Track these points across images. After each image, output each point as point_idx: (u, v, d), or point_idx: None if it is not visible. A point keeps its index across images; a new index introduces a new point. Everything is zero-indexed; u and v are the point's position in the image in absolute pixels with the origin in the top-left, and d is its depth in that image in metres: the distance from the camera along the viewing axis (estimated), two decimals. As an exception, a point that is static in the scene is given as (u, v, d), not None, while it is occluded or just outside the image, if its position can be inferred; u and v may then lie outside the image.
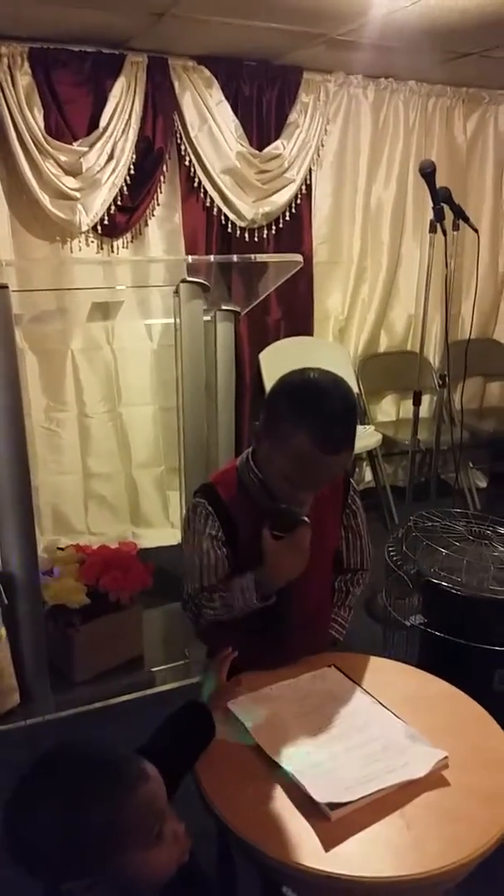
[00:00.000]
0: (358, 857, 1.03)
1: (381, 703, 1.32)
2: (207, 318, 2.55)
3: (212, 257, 3.02)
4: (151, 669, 2.53)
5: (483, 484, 4.39)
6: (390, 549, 2.11)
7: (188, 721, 1.23)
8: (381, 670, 1.46)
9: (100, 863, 0.86)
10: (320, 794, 1.10)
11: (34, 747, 2.23)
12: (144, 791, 0.89)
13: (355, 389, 3.91)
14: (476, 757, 1.22)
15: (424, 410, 3.76)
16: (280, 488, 1.34)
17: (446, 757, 1.18)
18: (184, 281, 2.29)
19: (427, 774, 1.15)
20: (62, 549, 2.51)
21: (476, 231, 2.82)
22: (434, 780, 1.16)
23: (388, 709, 1.30)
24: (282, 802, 1.12)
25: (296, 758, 1.18)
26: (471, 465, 4.22)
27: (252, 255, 2.28)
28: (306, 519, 1.34)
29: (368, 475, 4.12)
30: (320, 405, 1.26)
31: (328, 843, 1.04)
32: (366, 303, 3.94)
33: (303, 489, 1.33)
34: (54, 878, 0.87)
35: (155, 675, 2.52)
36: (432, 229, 2.62)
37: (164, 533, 3.36)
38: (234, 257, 2.35)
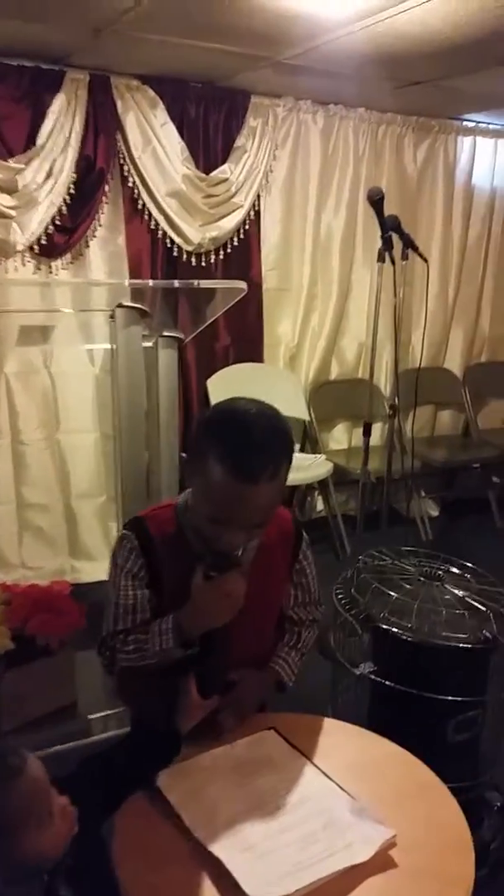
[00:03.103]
0: None
1: (323, 772, 1.20)
2: (149, 343, 2.44)
3: (150, 282, 2.91)
4: (87, 717, 2.36)
5: (435, 513, 4.34)
6: (338, 591, 1.99)
7: (153, 738, 1.20)
8: (325, 732, 1.33)
9: None
10: (252, 887, 0.97)
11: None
12: (25, 780, 0.91)
13: (306, 417, 3.84)
14: (426, 832, 1.10)
15: (376, 439, 3.69)
16: (206, 529, 1.22)
17: (394, 836, 1.06)
18: (120, 305, 2.17)
19: (373, 857, 1.03)
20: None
21: (425, 260, 2.78)
22: (381, 862, 1.04)
23: (331, 779, 1.18)
24: (208, 894, 0.98)
25: (226, 841, 1.05)
26: (423, 493, 4.17)
27: (195, 281, 2.18)
28: (239, 560, 1.22)
29: (320, 504, 4.03)
30: (236, 431, 1.17)
31: None
32: (316, 330, 3.88)
33: (227, 527, 1.19)
34: None
35: (91, 723, 2.35)
36: (381, 258, 2.56)
37: (105, 566, 3.16)
38: (176, 282, 2.25)
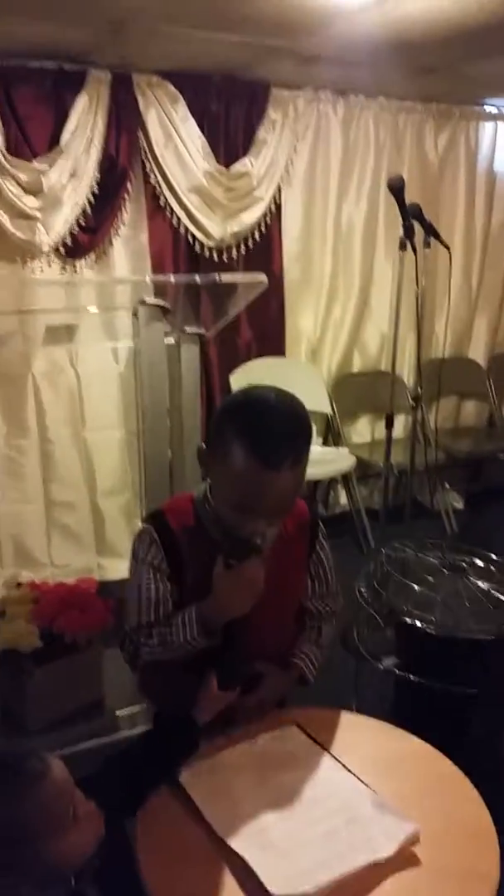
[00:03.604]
0: None
1: (346, 767, 1.20)
2: (171, 340, 2.45)
3: (171, 277, 2.92)
4: (115, 713, 2.39)
5: (460, 505, 4.30)
6: (361, 585, 1.99)
7: (172, 730, 1.21)
8: (348, 727, 1.34)
9: (19, 857, 0.89)
10: (276, 885, 0.98)
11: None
12: (48, 784, 0.92)
13: (328, 411, 3.83)
14: (450, 827, 1.10)
15: (399, 431, 3.67)
16: (230, 518, 1.22)
17: (417, 831, 1.06)
18: (142, 303, 2.18)
19: (395, 853, 1.03)
20: (20, 584, 2.37)
21: (448, 248, 2.75)
22: (403, 858, 1.04)
23: (353, 774, 1.19)
24: (231, 892, 0.99)
25: (249, 838, 1.06)
26: (447, 485, 4.14)
27: (215, 275, 2.18)
28: (259, 546, 1.23)
29: (343, 498, 4.02)
30: (258, 418, 1.17)
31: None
32: (338, 322, 3.86)
33: (250, 515, 1.20)
34: None
35: (118, 719, 2.38)
36: (402, 247, 2.54)
37: (131, 563, 3.23)
38: (196, 277, 2.25)
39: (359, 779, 1.18)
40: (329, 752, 1.24)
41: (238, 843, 1.05)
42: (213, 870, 1.03)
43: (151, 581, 1.28)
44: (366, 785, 1.16)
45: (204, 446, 1.27)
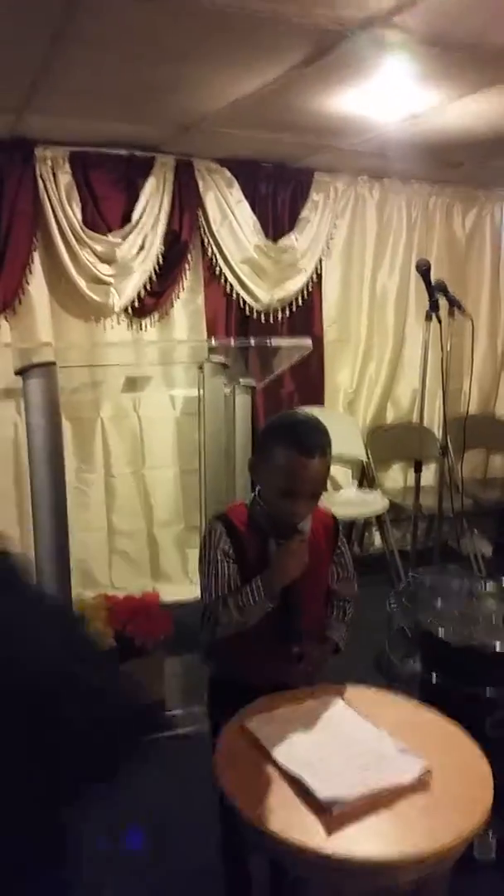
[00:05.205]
0: (352, 842, 1.22)
1: (376, 725, 1.52)
2: (227, 391, 2.84)
3: (232, 341, 3.33)
4: (171, 713, 2.70)
5: (489, 552, 4.55)
6: (391, 602, 2.32)
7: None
8: (378, 700, 1.66)
9: None
10: (322, 792, 1.30)
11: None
12: None
13: (363, 457, 4.18)
14: (457, 771, 1.41)
15: (430, 479, 4.00)
16: (278, 505, 1.61)
17: (429, 767, 1.38)
18: (207, 360, 2.58)
19: (414, 780, 1.35)
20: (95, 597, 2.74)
21: (471, 319, 3.12)
22: (420, 785, 1.35)
23: (382, 730, 1.51)
24: (292, 800, 1.32)
25: (302, 766, 1.39)
26: (476, 532, 4.41)
27: (267, 340, 2.58)
28: (303, 530, 1.62)
29: (377, 540, 4.32)
30: (294, 422, 1.66)
31: (329, 830, 1.24)
32: (373, 378, 4.25)
33: (297, 497, 1.59)
34: None
35: (174, 718, 2.68)
36: (428, 318, 2.92)
37: (182, 589, 3.56)
38: (252, 340, 2.65)
39: (386, 733, 1.50)
40: (362, 715, 1.57)
41: (293, 768, 1.37)
42: (276, 786, 1.35)
43: (224, 563, 1.64)
44: (391, 737, 1.48)
45: (253, 457, 1.70)
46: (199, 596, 1.67)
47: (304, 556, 1.61)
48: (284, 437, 1.58)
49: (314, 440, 1.58)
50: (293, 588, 1.61)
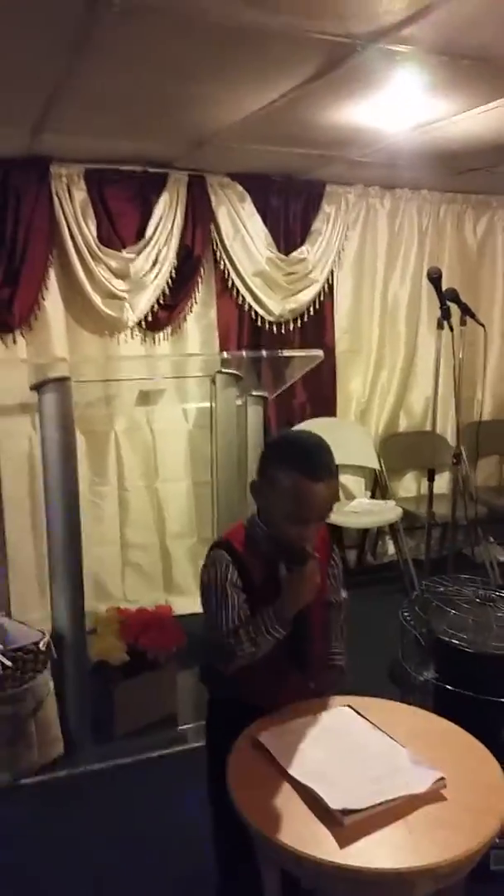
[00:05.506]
0: (366, 854, 1.22)
1: (389, 735, 1.52)
2: (239, 402, 2.86)
3: (244, 353, 3.36)
4: (183, 727, 2.70)
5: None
6: (405, 611, 2.32)
7: None
8: (392, 711, 1.66)
9: None
10: (335, 803, 1.30)
11: (76, 797, 2.42)
12: None
13: (376, 466, 4.18)
14: (470, 780, 1.41)
15: (443, 487, 3.99)
16: (285, 530, 1.56)
17: (444, 778, 1.38)
18: (220, 372, 2.60)
19: (427, 791, 1.35)
20: (108, 610, 2.75)
21: (483, 326, 3.12)
22: (433, 795, 1.35)
23: (395, 740, 1.51)
24: (305, 812, 1.32)
25: (314, 777, 1.39)
26: (491, 539, 4.39)
27: (279, 351, 2.60)
28: (315, 554, 1.59)
29: (391, 548, 4.31)
30: (299, 445, 1.58)
31: (342, 842, 1.24)
32: (385, 387, 4.25)
33: (304, 522, 1.55)
34: None
35: (186, 732, 2.69)
36: (440, 326, 2.93)
37: (195, 601, 3.54)
38: (263, 352, 2.67)
39: (399, 743, 1.49)
40: (375, 726, 1.56)
41: (306, 779, 1.38)
42: (289, 798, 1.35)
43: (233, 594, 1.59)
44: (404, 748, 1.48)
45: (256, 480, 1.62)
46: (207, 627, 1.63)
47: (316, 579, 1.58)
48: (291, 461, 1.52)
49: (322, 463, 1.53)
50: (303, 612, 1.59)
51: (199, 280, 3.63)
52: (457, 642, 2.09)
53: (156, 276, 3.46)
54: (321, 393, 4.06)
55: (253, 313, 3.76)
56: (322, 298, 3.92)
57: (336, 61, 2.11)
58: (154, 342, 3.60)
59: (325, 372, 4.00)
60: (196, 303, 3.67)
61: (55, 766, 2.50)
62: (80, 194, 3.32)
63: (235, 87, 2.34)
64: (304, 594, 1.57)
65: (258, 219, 3.66)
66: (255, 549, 1.62)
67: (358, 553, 4.32)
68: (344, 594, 1.83)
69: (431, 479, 3.20)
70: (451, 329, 2.92)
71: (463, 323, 3.06)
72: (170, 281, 3.51)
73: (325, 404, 4.09)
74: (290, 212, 3.79)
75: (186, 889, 2.05)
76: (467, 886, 1.40)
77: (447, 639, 2.11)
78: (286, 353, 2.65)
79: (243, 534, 1.66)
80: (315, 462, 1.53)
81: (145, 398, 3.37)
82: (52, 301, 3.37)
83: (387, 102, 2.45)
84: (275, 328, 3.82)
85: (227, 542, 1.64)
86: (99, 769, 2.51)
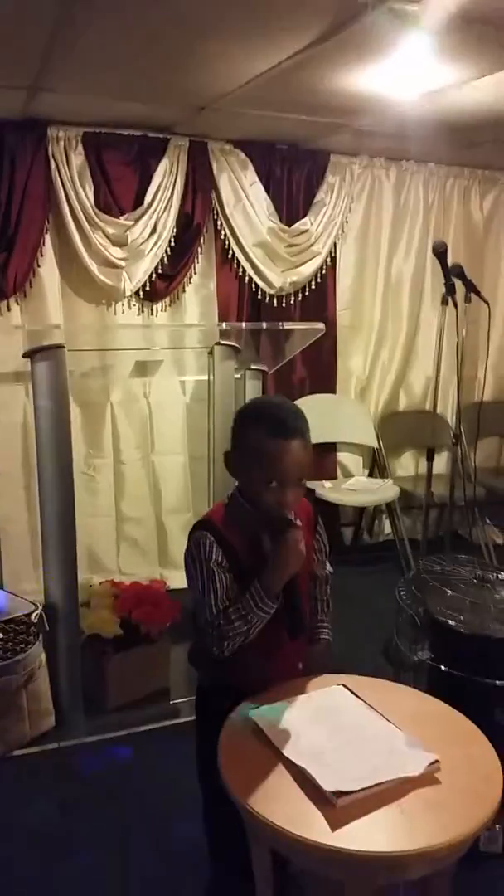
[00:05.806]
0: (359, 836, 1.20)
1: (384, 716, 1.50)
2: (238, 375, 2.81)
3: (243, 324, 3.29)
4: (175, 701, 2.69)
5: (500, 541, 4.51)
6: (401, 590, 2.29)
7: None
8: (386, 691, 1.63)
9: None
10: (327, 784, 1.28)
11: (67, 769, 2.41)
12: None
13: (375, 444, 4.14)
14: (465, 763, 1.38)
15: (442, 467, 3.95)
16: (265, 499, 1.53)
17: (438, 760, 1.35)
18: (218, 343, 2.54)
19: (421, 773, 1.32)
20: (101, 583, 2.73)
21: (487, 303, 3.06)
22: (427, 778, 1.33)
23: (390, 721, 1.48)
24: (297, 793, 1.29)
25: (307, 757, 1.36)
26: (487, 520, 4.36)
27: (280, 324, 2.54)
28: (297, 522, 1.55)
29: (387, 527, 4.29)
30: (268, 408, 1.59)
31: (334, 824, 1.22)
32: (386, 365, 4.20)
33: (281, 484, 1.51)
34: None
35: (178, 706, 2.68)
36: (444, 302, 2.86)
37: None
38: (263, 324, 2.61)
39: (395, 725, 1.47)
40: (370, 706, 1.54)
41: (299, 759, 1.35)
42: (280, 778, 1.33)
43: (220, 574, 1.55)
44: (399, 729, 1.46)
45: (228, 451, 1.59)
46: (196, 610, 1.60)
47: (301, 548, 1.54)
48: (260, 423, 1.52)
49: (291, 421, 1.52)
50: (292, 582, 1.55)
51: (199, 249, 3.56)
52: (453, 623, 2.06)
53: (154, 245, 3.39)
54: (321, 369, 4.01)
55: (253, 285, 3.70)
56: (324, 272, 3.85)
57: (344, 21, 2.03)
58: (151, 313, 3.53)
59: (325, 347, 3.94)
60: (195, 273, 3.60)
61: (46, 739, 2.48)
62: (78, 158, 3.23)
63: (239, 46, 2.26)
64: (289, 564, 1.53)
65: (260, 187, 3.58)
66: (237, 527, 1.59)
67: (354, 531, 4.30)
68: (329, 568, 1.81)
69: (431, 459, 3.16)
70: (456, 306, 2.86)
71: (467, 300, 2.99)
72: (168, 250, 3.44)
73: (325, 381, 4.03)
74: (294, 181, 3.71)
75: (179, 863, 2.04)
76: (457, 867, 1.38)
77: (443, 619, 2.09)
78: (287, 325, 2.59)
79: (223, 512, 1.62)
80: (284, 420, 1.52)
81: (142, 369, 3.30)
82: (48, 268, 3.29)
83: (395, 67, 2.37)
84: (275, 301, 3.75)
85: (208, 522, 1.61)
86: (90, 742, 2.50)
